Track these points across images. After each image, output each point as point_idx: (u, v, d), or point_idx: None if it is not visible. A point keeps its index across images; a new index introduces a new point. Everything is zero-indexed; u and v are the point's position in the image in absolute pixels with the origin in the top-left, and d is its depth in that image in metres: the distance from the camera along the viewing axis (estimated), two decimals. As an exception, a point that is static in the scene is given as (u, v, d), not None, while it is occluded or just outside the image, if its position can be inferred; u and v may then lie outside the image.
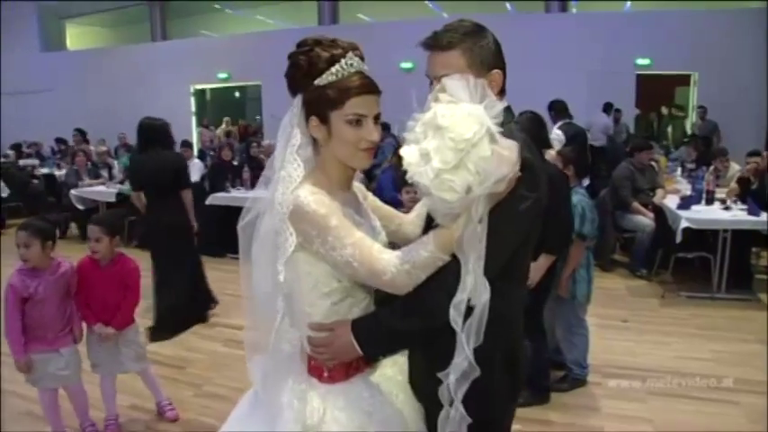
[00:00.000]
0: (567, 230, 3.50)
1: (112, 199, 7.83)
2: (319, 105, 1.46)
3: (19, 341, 2.84)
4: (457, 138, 1.24)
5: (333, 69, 1.45)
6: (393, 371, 1.61)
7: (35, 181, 10.43)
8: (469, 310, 1.36)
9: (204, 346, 4.51)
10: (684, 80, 12.42)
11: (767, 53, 10.53)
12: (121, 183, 8.06)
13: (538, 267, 3.28)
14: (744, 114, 10.74)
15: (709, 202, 5.79)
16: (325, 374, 1.52)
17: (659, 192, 6.28)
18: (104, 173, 8.64)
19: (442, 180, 1.24)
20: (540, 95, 11.23)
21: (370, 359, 1.55)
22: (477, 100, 1.31)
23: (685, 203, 5.66)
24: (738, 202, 5.70)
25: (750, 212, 5.33)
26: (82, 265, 3.13)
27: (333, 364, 1.51)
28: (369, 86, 1.47)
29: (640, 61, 11.56)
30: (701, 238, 5.51)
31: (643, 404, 3.53)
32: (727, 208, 5.58)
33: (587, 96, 11.15)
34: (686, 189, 6.61)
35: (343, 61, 1.45)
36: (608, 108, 10.62)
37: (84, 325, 3.14)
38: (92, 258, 3.12)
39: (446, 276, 1.37)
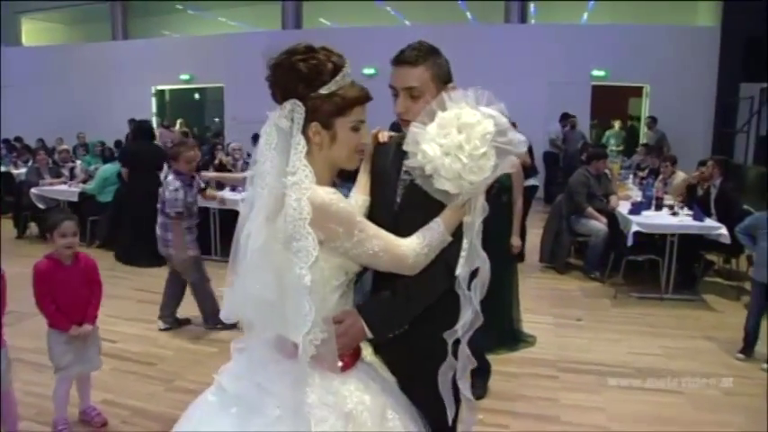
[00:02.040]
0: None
1: (75, 198, 7.75)
2: (324, 112, 1.55)
3: None
4: (484, 131, 1.56)
5: (337, 78, 1.55)
6: (367, 351, 1.77)
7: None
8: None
9: (173, 343, 4.56)
10: (637, 92, 12.92)
11: (718, 69, 11.07)
12: (84, 182, 7.99)
13: None
14: (692, 125, 11.28)
15: (658, 207, 6.13)
16: (340, 364, 1.61)
17: (612, 198, 6.58)
18: (66, 172, 8.54)
19: (473, 166, 1.56)
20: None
21: (379, 340, 1.71)
22: (483, 104, 1.62)
23: (636, 209, 5.97)
24: (685, 208, 6.04)
25: (695, 218, 5.66)
26: (42, 268, 3.08)
27: (347, 352, 1.63)
28: (368, 95, 1.62)
29: (596, 72, 11.99)
30: (651, 242, 5.83)
31: (597, 395, 3.75)
32: (674, 213, 5.91)
33: (546, 106, 11.55)
34: (637, 195, 6.96)
35: (344, 70, 1.57)
36: (564, 118, 11.02)
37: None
38: (52, 259, 3.11)
39: (446, 255, 1.64)
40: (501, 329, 4.37)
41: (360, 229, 1.54)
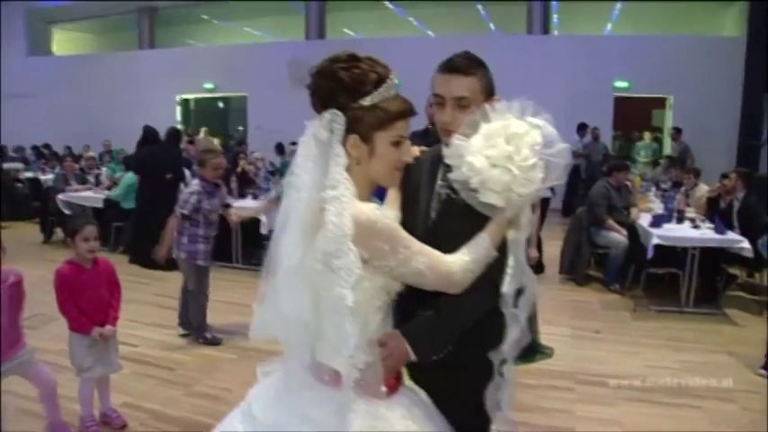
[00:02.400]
0: None
1: (100, 204, 7.92)
2: (365, 125, 1.48)
3: None
4: (533, 141, 1.54)
5: (380, 90, 1.48)
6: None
7: (19, 185, 10.45)
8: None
9: (193, 348, 4.63)
10: (660, 103, 12.82)
11: (743, 80, 10.95)
12: (108, 189, 8.15)
13: None
14: (716, 137, 11.15)
15: (680, 220, 6.07)
16: (384, 389, 1.52)
17: (633, 210, 6.54)
18: (92, 179, 8.72)
19: (523, 177, 1.53)
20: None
21: (423, 363, 1.62)
22: (529, 114, 1.60)
23: (657, 221, 5.92)
24: (707, 221, 5.98)
25: (717, 231, 5.61)
26: (64, 272, 3.17)
27: (391, 376, 1.57)
28: (413, 110, 1.55)
29: (619, 83, 11.93)
30: (672, 255, 5.77)
31: (613, 408, 3.73)
32: (696, 226, 5.86)
33: (567, 117, 11.51)
34: (659, 208, 6.91)
35: (388, 81, 1.50)
36: (582, 128, 10.98)
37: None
38: (73, 264, 3.20)
39: (491, 271, 1.59)
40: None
41: (405, 246, 1.47)
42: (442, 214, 1.70)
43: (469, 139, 1.58)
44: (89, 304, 3.17)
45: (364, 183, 1.53)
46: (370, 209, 1.47)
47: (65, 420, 3.26)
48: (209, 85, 15.30)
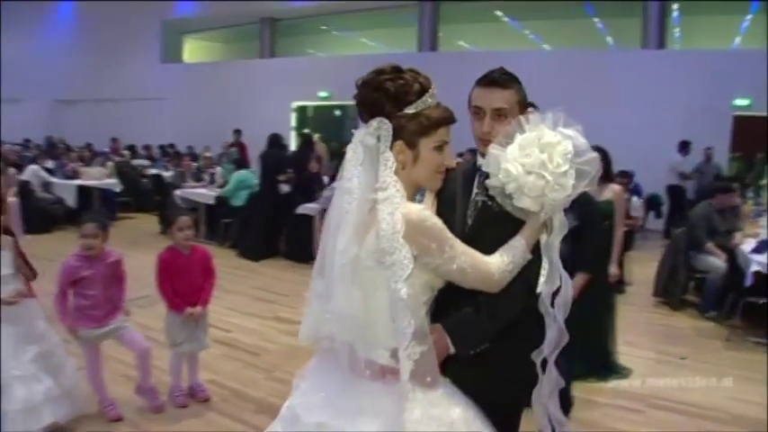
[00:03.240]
0: (599, 251, 3.86)
1: (212, 201, 8.58)
2: (409, 132, 1.61)
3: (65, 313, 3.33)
4: (564, 151, 1.66)
5: (423, 99, 1.63)
6: None
7: (145, 180, 11.48)
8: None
9: (281, 339, 4.96)
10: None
11: None
12: (221, 187, 8.81)
13: (576, 286, 3.49)
14: None
15: (787, 248, 5.70)
16: (428, 380, 1.60)
17: (737, 235, 6.21)
18: (207, 177, 9.44)
19: (555, 183, 1.65)
20: (632, 131, 11.24)
21: (462, 355, 1.74)
22: (561, 126, 1.72)
23: (760, 247, 5.60)
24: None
25: (827, 262, 5.23)
26: (163, 257, 3.59)
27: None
28: (453, 117, 1.69)
29: (739, 102, 11.25)
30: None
31: (682, 436, 3.64)
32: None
33: (680, 135, 10.97)
34: (768, 235, 6.50)
35: (430, 91, 1.65)
36: (684, 147, 10.48)
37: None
38: (173, 250, 3.60)
39: (527, 272, 1.72)
40: (593, 359, 4.33)
41: (450, 246, 1.59)
42: (479, 220, 1.83)
43: (506, 149, 1.70)
44: (183, 286, 3.57)
45: (409, 186, 1.65)
46: (418, 209, 1.60)
47: (156, 387, 3.67)
48: (323, 94, 15.92)
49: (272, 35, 17.56)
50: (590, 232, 3.53)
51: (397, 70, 1.64)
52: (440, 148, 1.67)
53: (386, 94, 1.61)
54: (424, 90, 1.63)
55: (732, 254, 5.86)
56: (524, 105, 1.87)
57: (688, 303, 6.48)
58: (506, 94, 1.83)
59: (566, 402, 3.66)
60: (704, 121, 11.07)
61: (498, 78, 1.84)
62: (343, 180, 1.66)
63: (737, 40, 13.86)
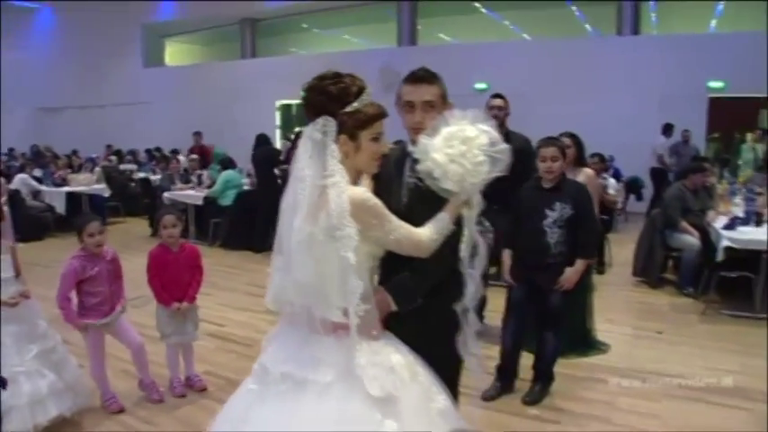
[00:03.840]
0: (597, 236, 3.95)
1: (200, 202, 8.71)
2: (351, 126, 1.88)
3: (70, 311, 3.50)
4: (481, 143, 2.00)
5: (361, 98, 1.90)
6: None
7: (133, 184, 11.58)
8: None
9: (272, 329, 5.11)
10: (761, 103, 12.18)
11: None
12: (209, 188, 8.94)
13: (576, 270, 3.69)
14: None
15: (758, 223, 5.92)
16: (374, 333, 1.91)
17: (710, 213, 6.43)
18: (194, 179, 9.57)
19: (473, 170, 1.98)
20: (611, 117, 11.48)
21: (402, 311, 2.05)
22: (480, 122, 2.05)
23: (731, 224, 5.82)
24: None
25: (795, 235, 5.45)
26: (154, 253, 3.78)
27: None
28: (386, 112, 1.98)
29: (713, 84, 11.51)
30: (749, 258, 5.65)
31: (656, 403, 3.81)
32: (774, 229, 5.70)
33: (658, 119, 11.21)
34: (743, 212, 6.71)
35: (366, 91, 1.92)
36: (667, 129, 10.71)
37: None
38: (162, 246, 3.78)
39: (451, 240, 2.03)
40: (572, 335, 4.52)
41: (388, 221, 1.89)
42: (412, 199, 2.14)
43: (433, 140, 2.02)
44: (171, 281, 3.75)
45: (352, 172, 1.93)
46: (362, 191, 1.90)
47: (155, 381, 3.85)
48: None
49: (252, 35, 17.66)
50: (585, 220, 3.69)
51: (337, 75, 1.91)
52: (376, 138, 1.95)
53: (329, 96, 1.87)
54: (360, 91, 1.91)
55: (705, 231, 6.07)
56: (446, 98, 2.20)
57: (667, 281, 6.71)
58: (432, 89, 2.16)
59: (548, 378, 3.88)
60: (681, 105, 11.34)
61: (425, 75, 2.18)
62: (295, 170, 1.92)
63: (713, 23, 14.10)
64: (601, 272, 7.06)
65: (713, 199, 6.86)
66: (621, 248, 7.55)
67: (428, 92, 2.15)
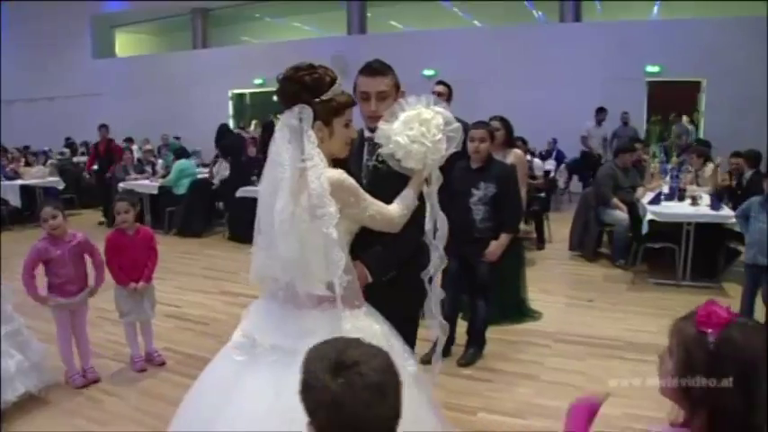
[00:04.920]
0: (520, 212, 4.30)
1: (155, 191, 8.83)
2: (326, 114, 2.02)
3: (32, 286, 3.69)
4: (438, 123, 2.19)
5: (334, 88, 2.04)
6: None
7: (87, 176, 11.56)
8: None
9: (229, 309, 5.33)
10: (696, 87, 12.82)
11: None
12: (163, 177, 9.05)
13: (500, 244, 4.03)
14: (752, 120, 11.13)
15: (681, 198, 6.41)
16: (356, 303, 2.05)
17: (639, 189, 6.90)
18: (148, 169, 9.66)
19: (433, 148, 2.17)
20: (556, 101, 11.92)
21: (377, 282, 2.22)
22: (432, 105, 2.23)
23: (656, 199, 6.31)
24: (705, 199, 6.29)
25: (712, 208, 5.95)
26: (110, 237, 4.02)
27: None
28: (354, 101, 2.18)
29: (650, 68, 12.08)
30: (673, 231, 6.11)
31: (582, 362, 4.18)
32: (695, 204, 6.18)
33: (601, 103, 11.68)
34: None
35: (337, 82, 2.06)
36: (599, 112, 11.29)
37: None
38: (118, 231, 4.01)
39: (417, 215, 2.22)
40: (505, 304, 4.89)
41: (363, 199, 2.05)
42: (371, 180, 2.33)
43: (392, 125, 2.21)
44: (127, 263, 3.98)
45: (326, 155, 2.04)
46: (338, 172, 2.02)
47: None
48: (258, 81, 16.08)
49: (203, 25, 17.57)
50: (508, 198, 4.04)
51: (311, 67, 2.04)
52: (347, 125, 2.12)
53: (304, 86, 2.01)
54: (333, 81, 2.05)
55: (633, 207, 6.53)
56: (398, 87, 2.40)
57: (602, 255, 7.17)
58: (386, 80, 2.35)
59: (480, 342, 4.24)
60: (622, 89, 11.86)
61: (379, 67, 2.37)
62: (273, 155, 2.05)
63: (655, 10, 14.65)
64: (540, 248, 7.50)
65: (645, 176, 7.35)
66: (563, 226, 7.95)
67: (382, 83, 2.34)
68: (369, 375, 1.15)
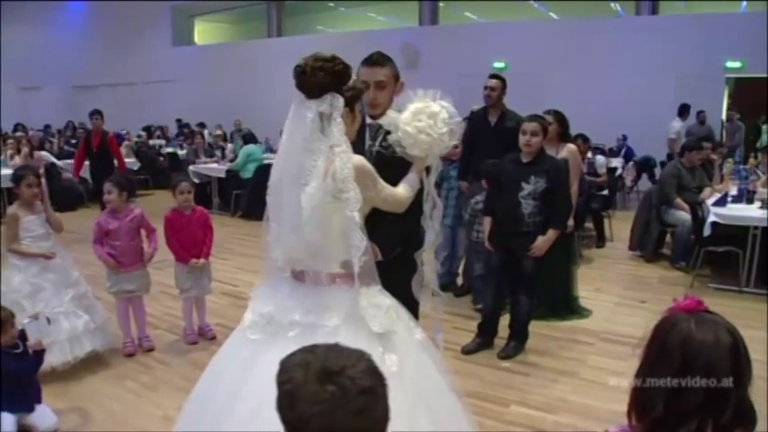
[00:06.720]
0: (569, 209, 4.26)
1: (223, 175, 9.20)
2: (349, 100, 2.13)
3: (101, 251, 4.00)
4: (444, 117, 2.35)
5: (353, 77, 2.18)
6: None
7: (161, 158, 12.14)
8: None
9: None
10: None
11: None
12: (231, 161, 9.41)
13: (547, 239, 4.02)
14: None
15: (750, 201, 6.14)
16: (371, 281, 2.13)
17: (706, 190, 6.66)
18: (218, 153, 10.06)
19: (438, 140, 2.34)
20: (628, 97, 11.56)
21: (385, 259, 2.33)
22: (437, 99, 2.39)
23: (721, 200, 6.08)
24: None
25: (781, 212, 5.67)
26: (169, 216, 4.26)
27: None
28: (364, 90, 2.33)
29: (730, 64, 11.52)
30: (737, 234, 5.87)
31: (624, 362, 4.05)
32: (764, 208, 5.90)
33: (675, 99, 11.24)
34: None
35: (352, 71, 2.19)
36: (683, 111, 10.77)
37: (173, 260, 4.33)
38: (176, 211, 4.25)
39: (417, 198, 2.38)
40: (553, 300, 4.88)
41: (379, 182, 2.20)
42: (376, 163, 2.37)
43: (401, 114, 2.38)
44: (186, 241, 4.24)
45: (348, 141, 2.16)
46: (359, 158, 2.14)
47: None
48: (329, 69, 16.34)
49: (278, 14, 18.00)
50: (558, 194, 4.02)
51: (335, 58, 2.12)
52: (361, 110, 2.29)
53: (336, 76, 2.09)
54: (351, 72, 2.17)
55: (697, 208, 6.30)
56: (398, 78, 2.59)
57: (663, 256, 6.96)
58: (385, 70, 2.54)
59: (522, 336, 4.25)
60: (698, 86, 11.36)
61: (379, 59, 2.55)
62: (300, 142, 2.09)
63: (744, 3, 13.88)
64: (600, 246, 7.36)
65: (714, 176, 7.07)
66: (626, 225, 7.74)
67: (380, 73, 2.52)
68: (359, 379, 1.08)
